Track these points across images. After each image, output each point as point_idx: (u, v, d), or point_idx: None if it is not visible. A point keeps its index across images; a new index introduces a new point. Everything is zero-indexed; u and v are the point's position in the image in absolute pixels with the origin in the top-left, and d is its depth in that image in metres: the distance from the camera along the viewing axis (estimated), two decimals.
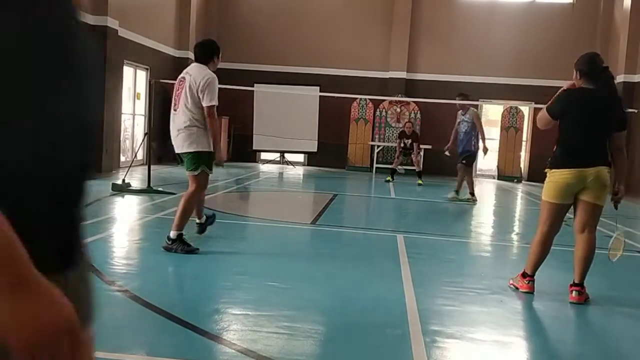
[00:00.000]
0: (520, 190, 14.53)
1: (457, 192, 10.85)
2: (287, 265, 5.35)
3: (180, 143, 5.26)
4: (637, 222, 9.90)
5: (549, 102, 4.66)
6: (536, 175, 17.30)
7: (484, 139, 10.69)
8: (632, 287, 5.38)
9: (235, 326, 3.58)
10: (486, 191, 14.44)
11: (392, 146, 17.60)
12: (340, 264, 5.54)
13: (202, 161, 5.27)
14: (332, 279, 4.93)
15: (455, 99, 11.30)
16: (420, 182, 13.93)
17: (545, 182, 4.59)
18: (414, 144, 14.26)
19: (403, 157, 14.71)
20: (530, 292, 4.69)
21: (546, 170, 4.57)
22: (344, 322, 3.83)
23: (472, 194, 10.70)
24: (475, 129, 10.51)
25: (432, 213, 10.27)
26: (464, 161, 10.62)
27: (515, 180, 16.81)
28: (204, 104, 5.16)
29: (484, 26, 17.60)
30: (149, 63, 15.05)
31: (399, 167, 14.90)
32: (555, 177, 4.46)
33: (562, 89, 4.64)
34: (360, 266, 5.50)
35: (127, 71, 14.18)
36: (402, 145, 14.23)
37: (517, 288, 4.78)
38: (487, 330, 3.95)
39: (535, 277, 4.71)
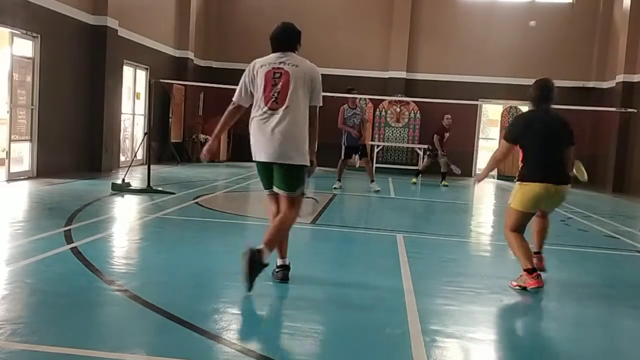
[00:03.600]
0: None
1: (373, 181, 11.68)
2: None
3: (286, 152, 4.30)
4: (637, 222, 9.90)
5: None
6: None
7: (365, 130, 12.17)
8: (632, 287, 5.37)
9: (235, 326, 3.58)
10: (486, 191, 14.44)
11: (391, 146, 17.62)
12: (340, 263, 5.54)
13: (303, 178, 4.43)
14: (332, 279, 4.92)
15: (453, 99, 11.40)
16: (444, 183, 13.86)
17: (515, 192, 4.98)
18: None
19: (431, 159, 13.96)
20: (541, 287, 4.69)
21: (517, 182, 4.98)
22: (343, 322, 3.83)
23: (340, 180, 11.68)
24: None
25: (432, 213, 10.27)
26: (360, 154, 11.79)
27: (515, 180, 16.80)
28: (314, 103, 4.43)
29: (484, 26, 17.59)
30: (149, 63, 15.05)
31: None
32: (526, 190, 4.88)
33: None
34: (360, 266, 5.50)
35: (127, 71, 14.18)
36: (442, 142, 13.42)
37: (524, 288, 4.75)
38: (487, 330, 3.95)
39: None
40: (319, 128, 4.47)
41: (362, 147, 11.89)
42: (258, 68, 4.45)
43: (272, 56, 4.52)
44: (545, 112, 5.01)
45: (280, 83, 4.34)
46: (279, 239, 4.41)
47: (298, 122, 4.33)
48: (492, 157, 5.22)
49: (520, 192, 4.92)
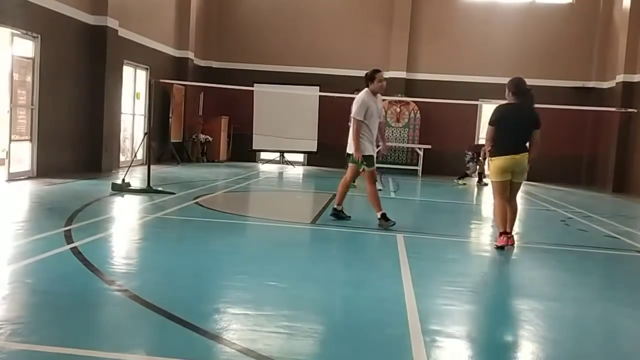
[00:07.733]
0: (520, 190, 14.53)
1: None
2: (286, 264, 5.35)
3: (349, 146, 7.55)
4: (637, 222, 9.90)
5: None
6: (536, 174, 17.29)
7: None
8: (632, 287, 5.37)
9: (235, 326, 3.58)
10: (486, 191, 14.44)
11: (391, 146, 17.58)
12: (340, 263, 5.54)
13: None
14: (332, 279, 4.92)
15: (453, 99, 11.41)
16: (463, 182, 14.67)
17: (490, 167, 6.50)
18: None
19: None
20: (503, 245, 6.27)
21: (489, 158, 6.47)
22: (343, 322, 3.83)
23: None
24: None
25: (432, 213, 10.27)
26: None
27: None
28: (352, 115, 7.30)
29: (484, 26, 17.59)
30: (149, 63, 15.05)
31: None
32: (496, 163, 6.36)
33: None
34: (360, 266, 5.50)
35: (127, 71, 14.17)
36: None
37: (497, 247, 6.30)
38: (487, 330, 3.95)
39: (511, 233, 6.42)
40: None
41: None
42: None
43: None
44: (519, 105, 6.45)
45: None
46: (344, 195, 7.86)
47: (349, 131, 7.48)
48: (485, 139, 6.64)
49: (492, 166, 6.43)
